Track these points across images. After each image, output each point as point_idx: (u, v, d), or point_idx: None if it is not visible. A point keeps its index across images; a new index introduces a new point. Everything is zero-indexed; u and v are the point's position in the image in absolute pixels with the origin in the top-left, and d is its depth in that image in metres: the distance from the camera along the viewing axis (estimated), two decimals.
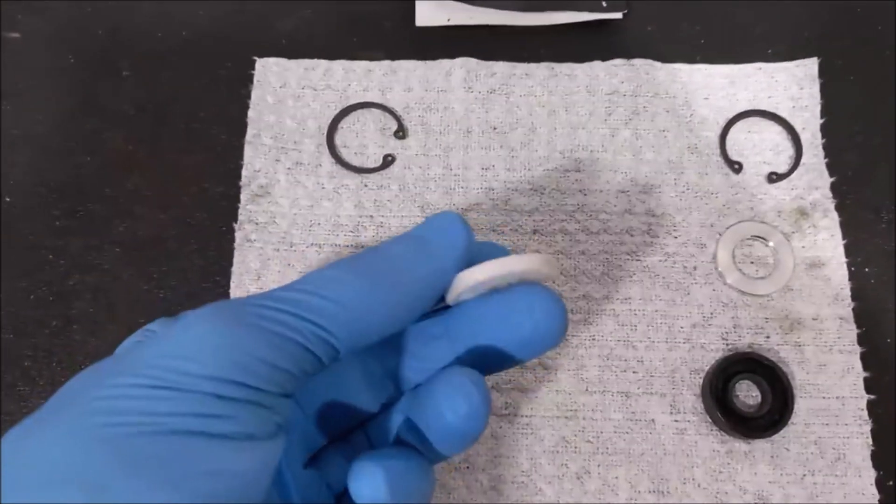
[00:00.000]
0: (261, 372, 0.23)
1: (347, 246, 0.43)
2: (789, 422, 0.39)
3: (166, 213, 0.45)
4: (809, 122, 0.46)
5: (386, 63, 0.48)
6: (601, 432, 0.40)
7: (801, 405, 0.40)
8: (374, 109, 0.47)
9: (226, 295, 0.42)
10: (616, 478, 0.39)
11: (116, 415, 0.21)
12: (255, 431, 0.23)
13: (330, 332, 0.24)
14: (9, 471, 0.21)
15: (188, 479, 0.21)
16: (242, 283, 0.43)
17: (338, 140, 0.46)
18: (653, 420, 0.40)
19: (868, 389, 0.41)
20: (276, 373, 0.23)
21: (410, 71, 0.48)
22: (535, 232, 0.44)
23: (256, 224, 0.44)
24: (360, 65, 0.48)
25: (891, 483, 0.39)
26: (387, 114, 0.46)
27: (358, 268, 0.26)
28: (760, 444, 0.40)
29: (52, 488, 0.20)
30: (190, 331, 0.23)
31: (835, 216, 0.44)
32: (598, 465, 0.40)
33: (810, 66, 0.47)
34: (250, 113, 0.46)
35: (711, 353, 0.41)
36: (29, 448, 0.21)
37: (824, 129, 0.46)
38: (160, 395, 0.22)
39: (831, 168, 0.45)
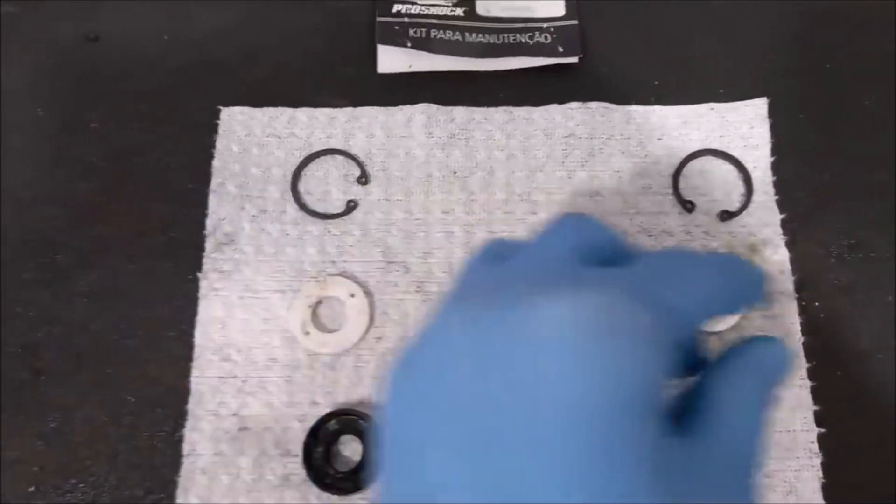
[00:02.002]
0: None
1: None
2: None
3: (133, 263, 0.46)
4: (760, 161, 0.47)
5: (349, 110, 0.49)
6: None
7: None
8: (337, 156, 0.48)
9: (191, 344, 0.43)
10: None
11: None
12: None
13: None
14: None
15: None
16: (207, 332, 0.43)
17: (301, 187, 0.47)
18: None
19: (819, 423, 0.42)
20: None
21: (373, 117, 0.49)
22: None
23: (221, 272, 0.45)
24: (324, 112, 0.49)
25: None
26: (350, 160, 0.48)
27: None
28: None
29: None
30: None
31: (785, 252, 0.45)
32: None
33: (760, 105, 0.49)
34: (215, 162, 0.47)
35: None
36: None
37: (775, 168, 0.47)
38: None
39: (782, 205, 0.46)
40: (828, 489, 0.40)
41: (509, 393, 0.21)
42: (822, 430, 0.41)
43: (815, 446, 0.41)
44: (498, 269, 0.27)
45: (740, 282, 0.27)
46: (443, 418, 0.22)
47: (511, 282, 0.25)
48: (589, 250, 0.27)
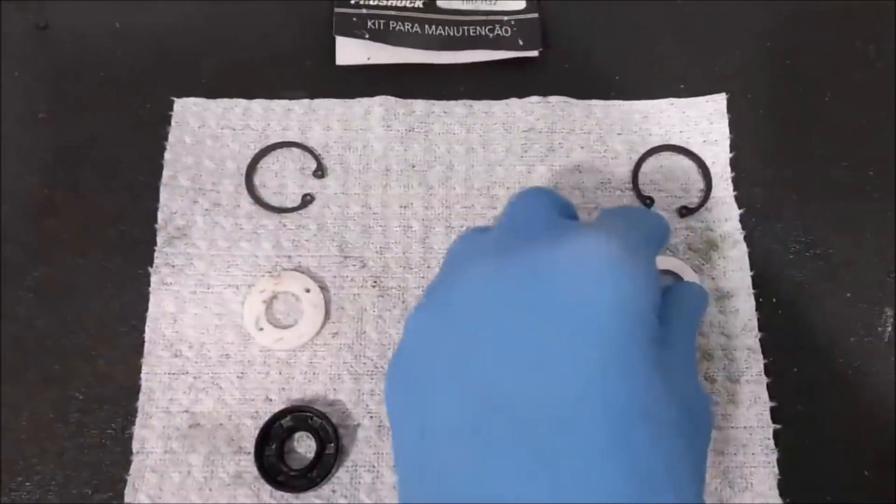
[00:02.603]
0: None
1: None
2: None
3: (83, 258, 0.45)
4: (719, 157, 0.47)
5: (305, 102, 0.48)
6: None
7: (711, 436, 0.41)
8: (293, 149, 0.47)
9: (142, 340, 0.42)
10: None
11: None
12: None
13: None
14: None
15: None
16: (158, 328, 0.43)
17: (257, 180, 0.46)
18: None
19: (774, 419, 0.42)
20: None
21: (330, 110, 0.48)
22: None
23: (173, 267, 0.44)
24: (280, 104, 0.48)
25: None
26: (306, 153, 0.47)
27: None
28: None
29: None
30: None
31: (744, 247, 0.45)
32: None
33: (719, 101, 0.48)
34: (167, 154, 0.46)
35: None
36: None
37: (734, 163, 0.47)
38: None
39: (740, 201, 0.46)
40: (783, 485, 0.40)
41: (548, 319, 0.25)
42: (778, 426, 0.41)
43: (772, 442, 0.41)
44: (492, 232, 0.31)
45: (655, 225, 0.34)
46: (457, 353, 0.26)
47: (513, 236, 0.30)
48: (559, 211, 0.32)
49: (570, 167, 0.47)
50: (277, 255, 0.44)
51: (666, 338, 0.28)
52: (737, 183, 0.47)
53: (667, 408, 0.25)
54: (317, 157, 0.47)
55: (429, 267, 0.44)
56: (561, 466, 0.23)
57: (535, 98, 0.48)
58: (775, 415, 0.42)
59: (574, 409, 0.23)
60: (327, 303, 0.43)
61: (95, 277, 0.44)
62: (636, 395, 0.24)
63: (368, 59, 0.50)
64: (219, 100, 0.48)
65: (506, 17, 0.50)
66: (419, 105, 0.48)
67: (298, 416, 0.41)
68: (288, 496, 0.40)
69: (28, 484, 0.40)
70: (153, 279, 0.43)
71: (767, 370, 0.43)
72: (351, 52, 0.50)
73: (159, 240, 0.44)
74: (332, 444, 0.40)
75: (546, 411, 0.23)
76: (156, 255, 0.44)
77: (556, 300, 0.25)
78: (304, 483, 0.40)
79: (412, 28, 0.49)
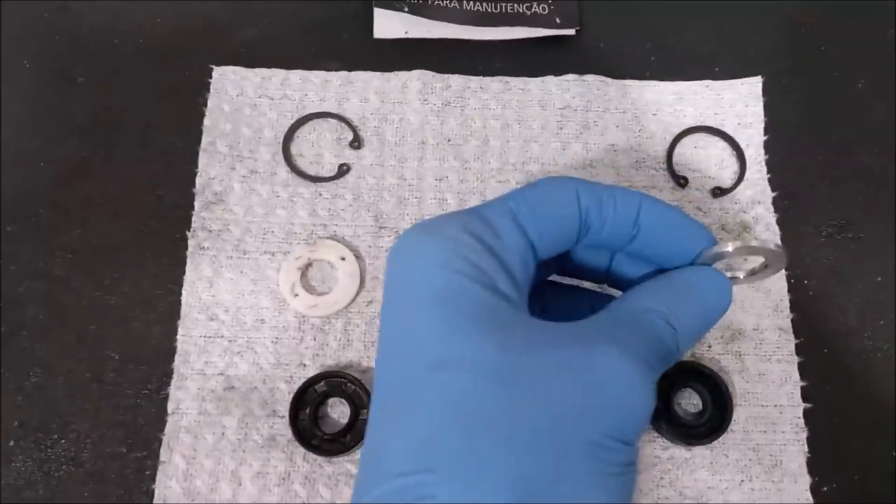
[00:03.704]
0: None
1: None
2: (728, 429, 0.40)
3: (120, 221, 0.45)
4: (753, 139, 0.47)
5: (343, 73, 0.48)
6: None
7: (740, 413, 0.41)
8: (330, 119, 0.47)
9: (178, 303, 0.43)
10: None
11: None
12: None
13: None
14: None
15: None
16: (195, 291, 0.43)
17: (293, 149, 0.47)
18: None
19: (805, 398, 0.42)
20: None
21: (367, 82, 0.48)
22: None
23: (210, 231, 0.44)
24: (318, 75, 0.48)
25: (825, 489, 0.41)
26: (343, 124, 0.47)
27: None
28: (700, 451, 0.41)
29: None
30: (626, 390, 0.26)
31: (776, 230, 0.45)
32: None
33: (755, 84, 0.49)
34: (206, 121, 0.46)
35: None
36: None
37: (767, 146, 0.47)
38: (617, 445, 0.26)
39: (773, 184, 0.46)
40: (812, 463, 0.41)
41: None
42: (809, 405, 0.42)
43: (801, 421, 0.41)
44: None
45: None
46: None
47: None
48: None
49: (604, 145, 0.47)
50: (313, 223, 0.45)
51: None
52: (770, 166, 0.47)
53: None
54: (353, 128, 0.47)
55: None
56: None
57: (571, 76, 0.49)
58: (805, 394, 0.42)
59: None
60: (362, 271, 0.44)
61: (132, 240, 0.45)
62: None
63: (406, 32, 0.50)
64: (257, 69, 0.48)
65: None
66: (456, 80, 0.48)
67: (332, 382, 0.41)
68: (320, 459, 0.40)
69: (63, 441, 0.41)
70: (190, 243, 0.44)
71: (798, 350, 0.43)
72: (388, 25, 0.50)
73: (197, 204, 0.45)
74: (366, 410, 0.40)
75: None
76: (193, 219, 0.44)
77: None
78: (337, 447, 0.40)
79: (450, 3, 0.50)
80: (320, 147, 0.47)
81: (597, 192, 0.30)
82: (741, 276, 0.34)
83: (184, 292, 0.43)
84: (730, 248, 0.30)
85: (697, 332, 0.30)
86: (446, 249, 0.27)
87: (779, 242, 0.44)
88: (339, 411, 0.41)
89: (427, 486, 0.24)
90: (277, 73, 0.48)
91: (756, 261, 0.33)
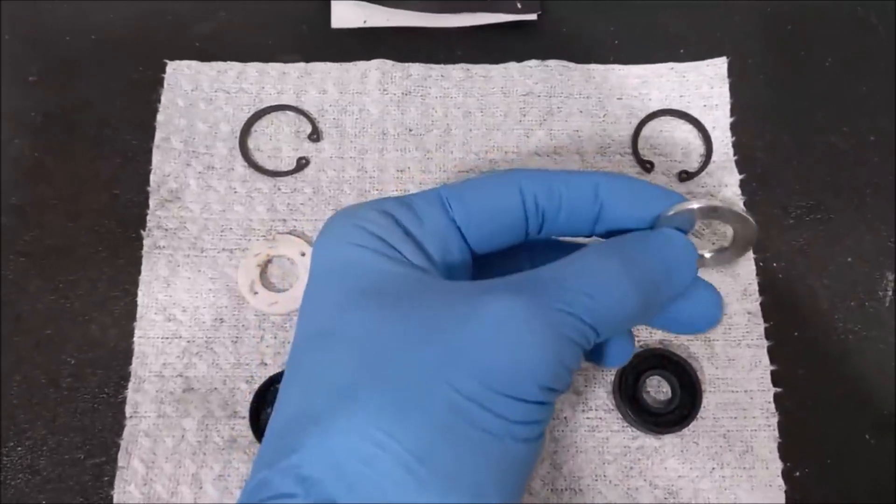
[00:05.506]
0: (564, 378, 0.25)
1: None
2: (698, 416, 0.40)
3: (75, 222, 0.44)
4: (719, 121, 0.47)
5: (301, 65, 0.48)
6: None
7: (710, 399, 0.41)
8: (288, 112, 0.46)
9: (135, 304, 0.42)
10: (531, 476, 0.40)
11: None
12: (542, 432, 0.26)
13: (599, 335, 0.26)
14: None
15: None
16: (151, 291, 0.42)
17: (251, 143, 0.46)
18: (566, 417, 0.41)
19: (775, 382, 0.41)
20: (569, 376, 0.25)
21: (325, 73, 0.47)
22: None
23: (165, 230, 0.43)
24: (275, 67, 0.47)
25: (797, 474, 0.40)
26: (301, 116, 0.46)
27: (633, 276, 0.26)
28: (670, 439, 0.40)
29: None
30: (512, 334, 0.24)
31: None
32: None
33: (720, 65, 0.48)
34: (159, 117, 0.45)
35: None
36: None
37: (734, 128, 0.47)
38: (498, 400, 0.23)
39: (741, 165, 0.46)
40: (784, 449, 0.40)
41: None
42: (779, 389, 0.41)
43: (772, 406, 0.41)
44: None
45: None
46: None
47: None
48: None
49: (569, 131, 0.46)
50: (272, 218, 0.44)
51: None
52: (737, 147, 0.46)
53: None
54: (312, 121, 0.46)
55: None
56: None
57: (533, 62, 0.48)
58: (776, 378, 0.41)
59: None
60: None
61: (87, 241, 0.44)
62: None
63: (364, 21, 0.49)
64: (212, 63, 0.47)
65: None
66: (416, 69, 0.48)
67: None
68: None
69: (20, 449, 0.40)
70: (146, 242, 0.43)
71: (768, 334, 0.42)
72: (346, 14, 0.49)
73: (152, 202, 0.44)
74: None
75: None
76: (148, 217, 0.43)
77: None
78: None
79: None
80: (278, 141, 0.46)
81: (546, 179, 0.29)
82: (707, 255, 0.33)
83: (140, 293, 0.42)
84: (694, 205, 0.28)
85: (651, 292, 0.27)
86: (350, 225, 0.27)
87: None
88: None
89: (293, 469, 0.23)
90: (233, 67, 0.47)
91: (724, 239, 0.32)
